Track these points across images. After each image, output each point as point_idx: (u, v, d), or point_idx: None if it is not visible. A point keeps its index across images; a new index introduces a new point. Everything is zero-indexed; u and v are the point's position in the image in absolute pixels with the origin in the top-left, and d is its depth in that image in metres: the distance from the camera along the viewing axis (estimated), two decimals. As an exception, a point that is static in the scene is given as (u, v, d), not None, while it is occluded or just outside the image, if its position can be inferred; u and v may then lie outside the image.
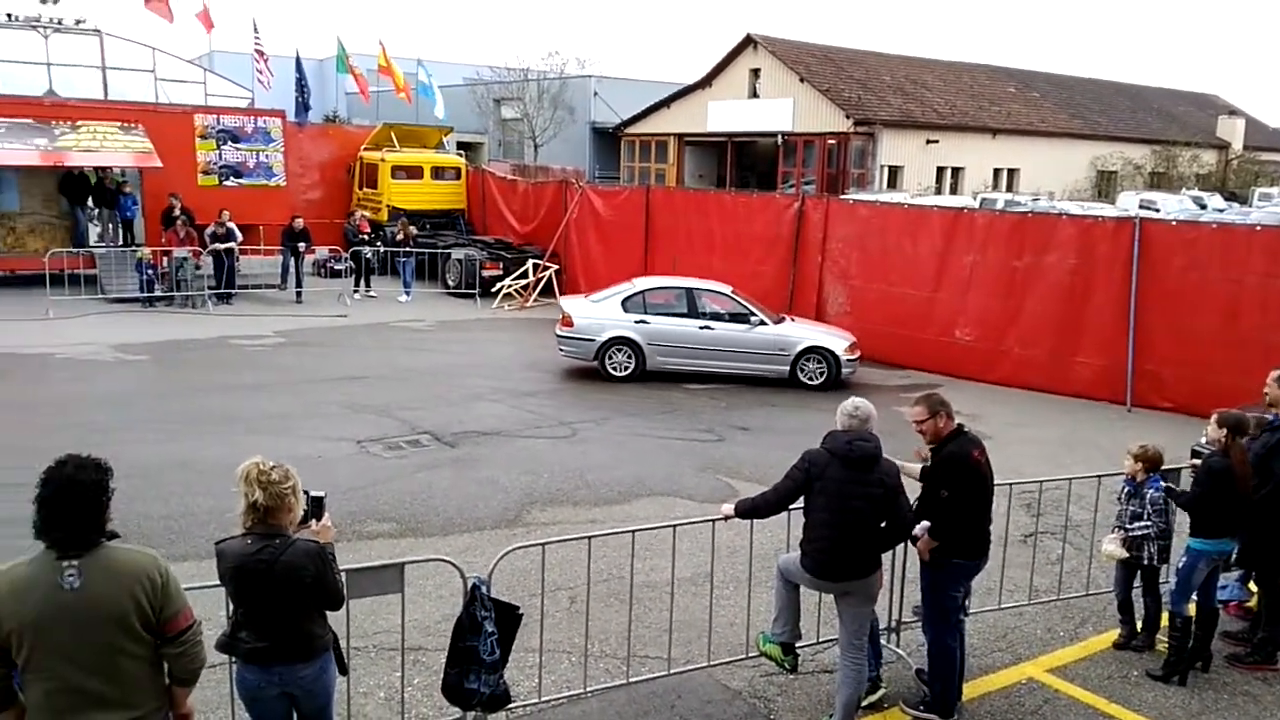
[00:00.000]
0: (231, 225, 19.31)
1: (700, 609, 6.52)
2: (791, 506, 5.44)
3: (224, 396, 12.33)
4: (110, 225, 20.30)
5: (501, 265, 20.95)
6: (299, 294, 19.69)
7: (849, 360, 14.16)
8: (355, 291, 20.15)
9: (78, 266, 18.22)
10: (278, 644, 3.86)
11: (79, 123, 19.38)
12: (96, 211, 20.26)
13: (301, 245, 19.76)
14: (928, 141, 32.59)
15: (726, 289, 14.89)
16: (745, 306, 14.39)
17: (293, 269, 19.79)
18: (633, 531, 6.06)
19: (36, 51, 21.25)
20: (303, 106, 23.72)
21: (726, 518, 5.60)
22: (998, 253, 14.59)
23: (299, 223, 20.00)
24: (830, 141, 31.60)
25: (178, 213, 18.95)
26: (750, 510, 5.47)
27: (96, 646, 3.22)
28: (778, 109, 32.24)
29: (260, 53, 25.12)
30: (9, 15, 21.80)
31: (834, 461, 5.14)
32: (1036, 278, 14.16)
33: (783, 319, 14.83)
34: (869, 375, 14.73)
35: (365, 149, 24.89)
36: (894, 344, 15.62)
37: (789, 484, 5.28)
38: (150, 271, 18.58)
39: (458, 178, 25.69)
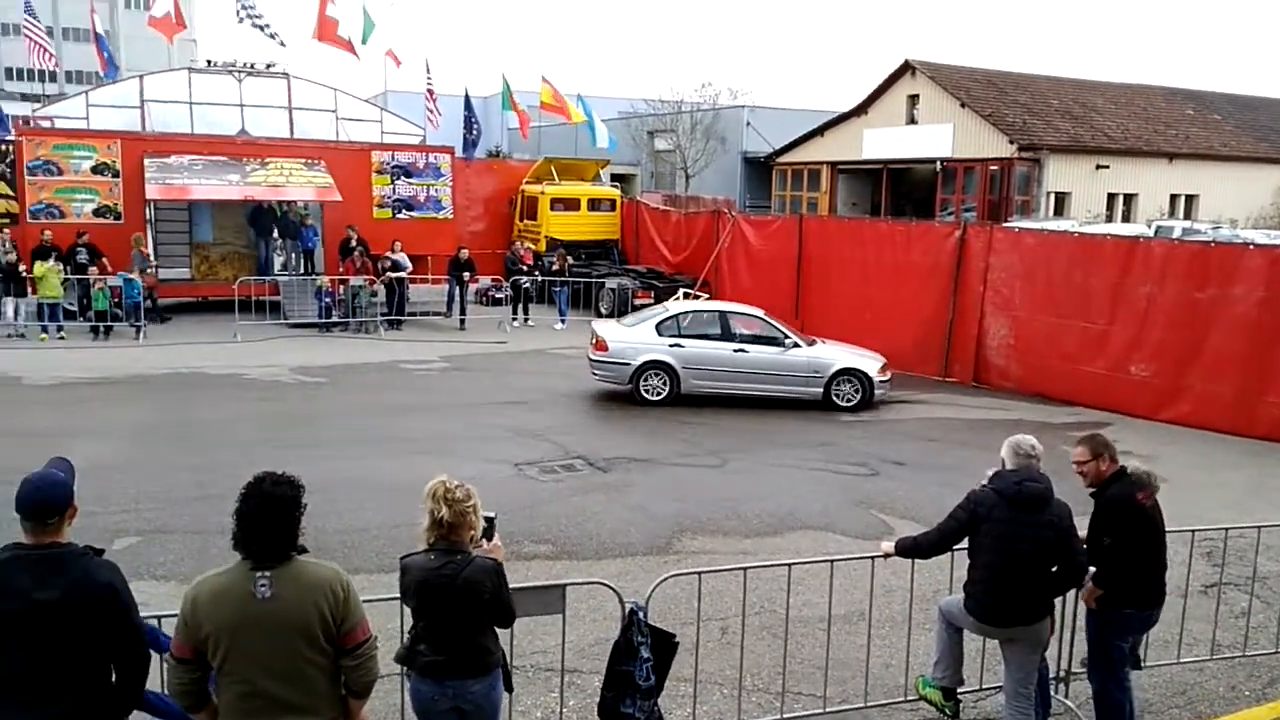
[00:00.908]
0: (402, 255, 20.40)
1: (855, 647, 6.40)
2: (955, 547, 5.29)
3: (394, 417, 12.98)
4: (293, 255, 21.74)
5: (653, 294, 21.24)
6: (463, 321, 20.55)
7: (881, 382, 14.28)
8: (514, 319, 20.83)
9: (263, 293, 19.60)
10: (454, 658, 4.03)
11: (268, 160, 20.90)
12: (281, 242, 21.72)
13: (466, 275, 20.65)
14: (1097, 167, 31.09)
15: (759, 312, 15.07)
16: (778, 329, 14.55)
17: (458, 297, 20.68)
18: (788, 565, 6.02)
19: (231, 94, 23.03)
20: (470, 143, 24.81)
21: (886, 555, 5.49)
22: (1177, 284, 13.76)
23: (464, 253, 20.91)
24: (992, 168, 30.60)
25: (354, 244, 20.13)
26: (911, 549, 5.35)
27: (285, 654, 3.41)
28: (937, 135, 31.50)
29: (431, 92, 26.46)
30: (209, 61, 23.77)
31: (1001, 502, 4.98)
32: (1220, 311, 13.28)
33: (814, 341, 14.82)
34: (1036, 412, 14.13)
35: (526, 182, 25.80)
36: (1059, 379, 14.96)
37: (952, 524, 5.14)
38: (328, 299, 19.78)
39: (613, 209, 26.28)
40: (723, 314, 14.79)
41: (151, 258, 19.28)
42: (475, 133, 24.60)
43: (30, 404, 13.05)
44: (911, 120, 33.05)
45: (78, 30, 61.53)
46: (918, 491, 10.28)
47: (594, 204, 25.92)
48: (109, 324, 18.04)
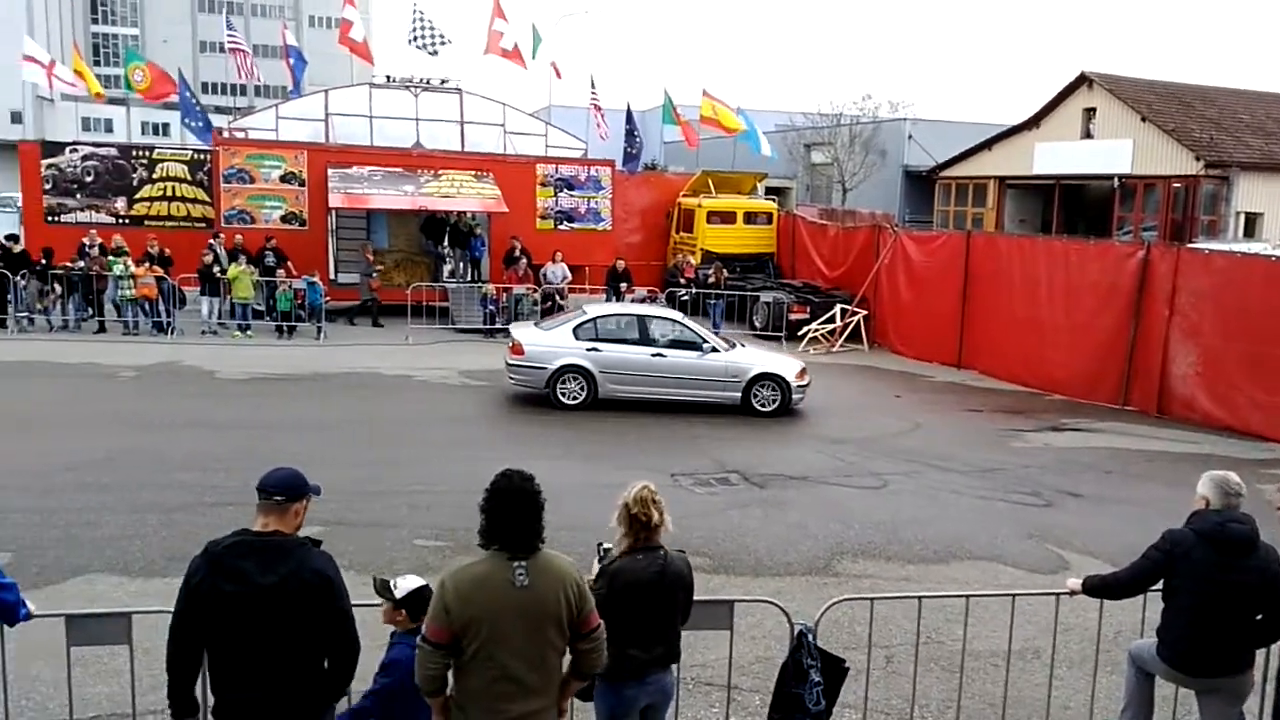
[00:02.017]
0: (562, 265, 20.91)
1: (1030, 686, 6.13)
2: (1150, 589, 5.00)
3: (555, 423, 13.28)
4: (461, 263, 22.59)
5: (809, 309, 21.01)
6: (619, 330, 20.83)
7: (799, 386, 14.22)
8: (670, 331, 20.99)
9: (433, 299, 20.46)
10: (663, 652, 4.24)
11: (440, 172, 21.82)
12: (450, 251, 22.60)
13: (623, 285, 20.96)
14: (1295, 185, 28.82)
15: (678, 315, 15.17)
16: (696, 334, 14.55)
17: (614, 307, 20.99)
18: (966, 596, 5.83)
19: (408, 108, 24.15)
20: (631, 156, 25.21)
21: (1072, 593, 5.23)
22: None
23: (621, 264, 21.25)
24: (1175, 185, 28.81)
25: (518, 253, 20.77)
26: (1099, 588, 5.08)
27: (536, 640, 3.59)
28: (1114, 150, 29.91)
29: (598, 106, 27.03)
30: (388, 77, 25.01)
31: (1200, 544, 4.66)
32: None
33: (734, 345, 14.85)
34: (1226, 446, 13.20)
35: (683, 195, 25.99)
36: (1253, 412, 13.91)
37: (1146, 564, 4.85)
38: (492, 305, 20.46)
39: (769, 222, 26.15)
40: (640, 318, 14.79)
41: (373, 264, 20.59)
42: (637, 146, 24.97)
43: (223, 397, 14.01)
44: (1087, 134, 31.54)
45: (266, 47, 65.89)
46: (1095, 525, 9.76)
47: (750, 217, 25.86)
48: (292, 324, 19.20)
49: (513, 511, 3.61)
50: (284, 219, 21.43)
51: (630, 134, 25.19)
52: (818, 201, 40.01)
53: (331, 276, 21.47)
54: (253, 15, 78.38)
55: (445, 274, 21.99)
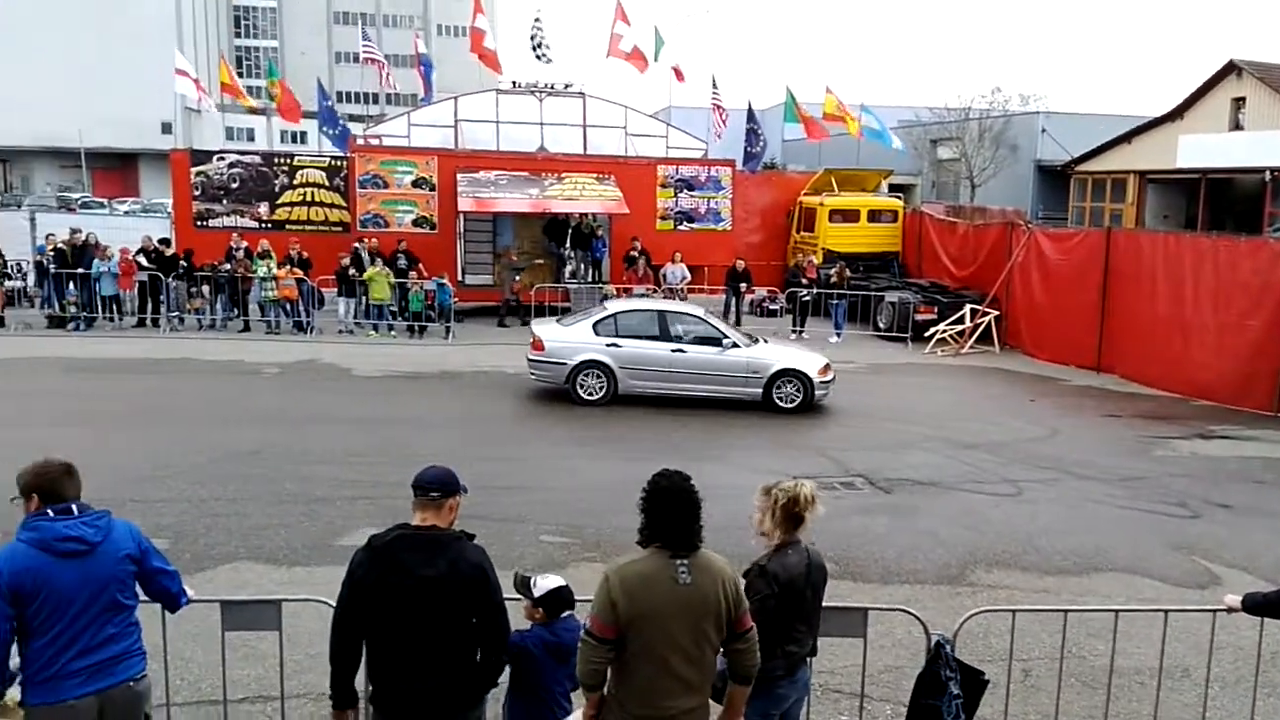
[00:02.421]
0: (682, 266, 20.96)
1: (1179, 706, 5.83)
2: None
3: (672, 423, 13.32)
4: (583, 264, 22.88)
5: (936, 309, 20.47)
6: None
7: (822, 383, 14.04)
8: (793, 331, 20.77)
9: (555, 299, 20.79)
10: (812, 646, 4.38)
11: (563, 175, 22.16)
12: (572, 252, 22.91)
13: (742, 285, 20.86)
14: None
15: (699, 311, 14.99)
16: (717, 329, 14.44)
17: (733, 307, 20.92)
18: (1115, 611, 5.56)
19: (532, 113, 24.60)
20: (751, 156, 25.06)
21: (1230, 610, 4.94)
22: None
23: (740, 264, 21.14)
24: (1336, 177, 26.92)
25: (638, 253, 20.91)
26: (1261, 606, 4.78)
27: (696, 637, 3.64)
28: (1266, 142, 28.12)
29: (718, 106, 26.97)
30: (514, 83, 25.52)
31: None
32: None
33: (757, 341, 14.73)
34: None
35: (805, 194, 25.68)
36: None
37: None
38: (612, 306, 20.64)
39: (894, 220, 25.60)
40: (661, 314, 14.69)
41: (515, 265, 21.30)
42: (760, 146, 24.80)
43: (358, 393, 14.56)
44: (1236, 126, 29.76)
45: (397, 56, 68.20)
46: (1248, 538, 9.21)
47: (874, 215, 25.36)
48: (423, 324, 19.82)
49: (673, 510, 3.67)
50: (415, 223, 22.12)
51: (751, 133, 25.03)
52: (944, 198, 38.95)
53: (459, 278, 22.06)
54: (384, 26, 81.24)
55: (566, 275, 22.32)
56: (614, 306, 15.21)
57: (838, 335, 20.57)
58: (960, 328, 19.86)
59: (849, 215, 24.85)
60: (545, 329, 14.70)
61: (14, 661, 3.85)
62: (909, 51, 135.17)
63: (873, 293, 21.55)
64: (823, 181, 25.81)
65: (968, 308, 20.00)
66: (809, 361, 14.37)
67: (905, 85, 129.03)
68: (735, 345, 14.24)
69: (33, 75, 61.96)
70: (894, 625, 6.82)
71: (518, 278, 21.04)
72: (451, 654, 3.84)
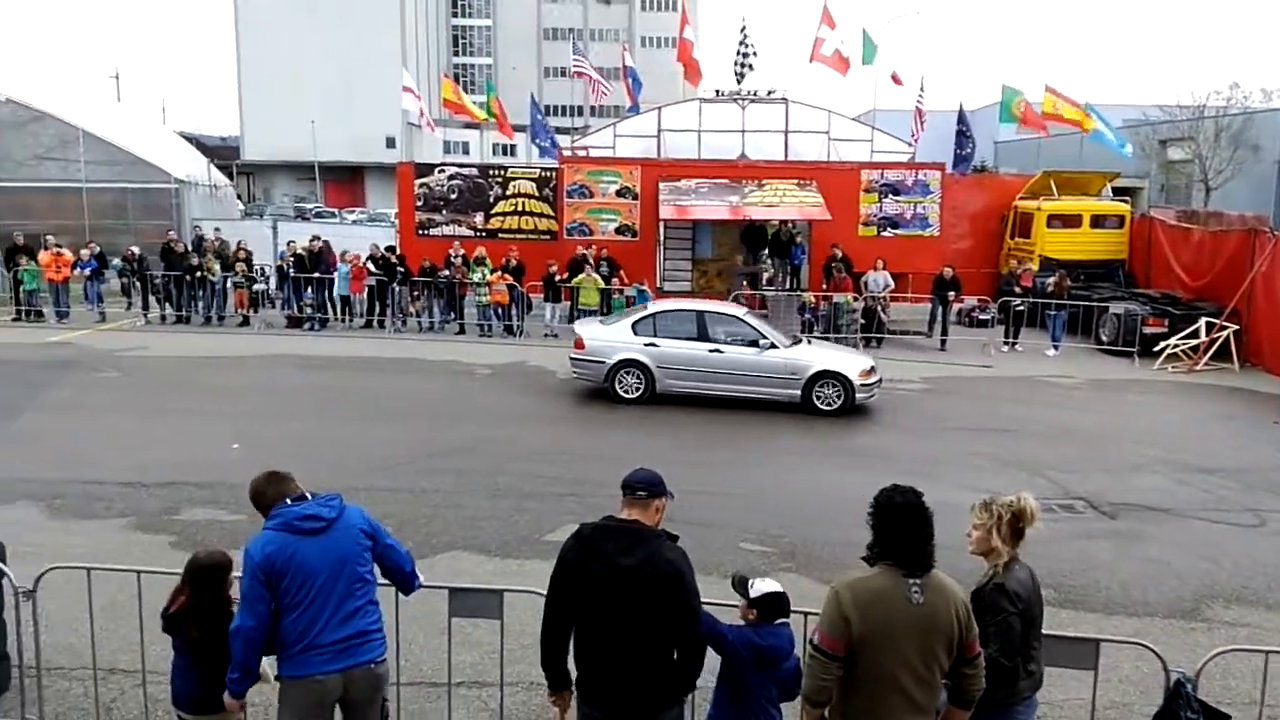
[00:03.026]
0: (885, 274, 20.42)
1: None
2: None
3: (872, 435, 13.01)
4: (780, 272, 22.71)
5: (1167, 322, 18.96)
6: (944, 342, 20.01)
7: (863, 385, 13.89)
8: (1004, 343, 19.82)
9: (753, 307, 20.71)
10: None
11: (764, 181, 22.08)
12: (770, 259, 22.78)
13: (950, 294, 20.08)
14: None
15: (738, 311, 15.08)
16: (756, 330, 14.39)
17: (940, 317, 20.18)
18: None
19: (734, 121, 24.67)
20: (961, 158, 24.07)
21: None
22: None
23: (948, 272, 20.35)
24: None
25: (837, 261, 20.54)
26: None
27: (926, 658, 3.58)
28: None
29: (919, 110, 26.10)
30: (716, 92, 25.72)
31: None
32: None
33: (799, 342, 14.78)
34: None
35: (1020, 198, 24.42)
36: None
37: None
38: (810, 314, 20.38)
39: (1119, 226, 23.92)
40: (699, 314, 14.74)
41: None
42: (969, 148, 23.78)
43: (561, 395, 15.04)
44: None
45: (601, 69, 70.28)
46: None
47: (1097, 220, 23.78)
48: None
49: (905, 528, 3.62)
50: (617, 230, 22.65)
51: (961, 135, 24.04)
52: (1174, 203, 35.97)
53: (659, 284, 22.41)
54: (591, 40, 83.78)
55: (764, 282, 22.20)
56: (653, 307, 15.54)
57: (1055, 348, 19.44)
58: (1194, 342, 18.32)
59: (1070, 220, 23.41)
60: (587, 328, 15.19)
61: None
62: (1134, 47, 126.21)
63: (1095, 303, 20.20)
64: (1040, 184, 24.46)
65: (1203, 321, 18.42)
66: (850, 363, 14.25)
67: (1131, 83, 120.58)
68: (774, 346, 14.21)
69: (279, 100, 68.31)
70: (1120, 659, 6.37)
71: (745, 282, 21.11)
72: (645, 647, 3.90)
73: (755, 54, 26.06)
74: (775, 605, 4.29)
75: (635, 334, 14.51)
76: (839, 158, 23.91)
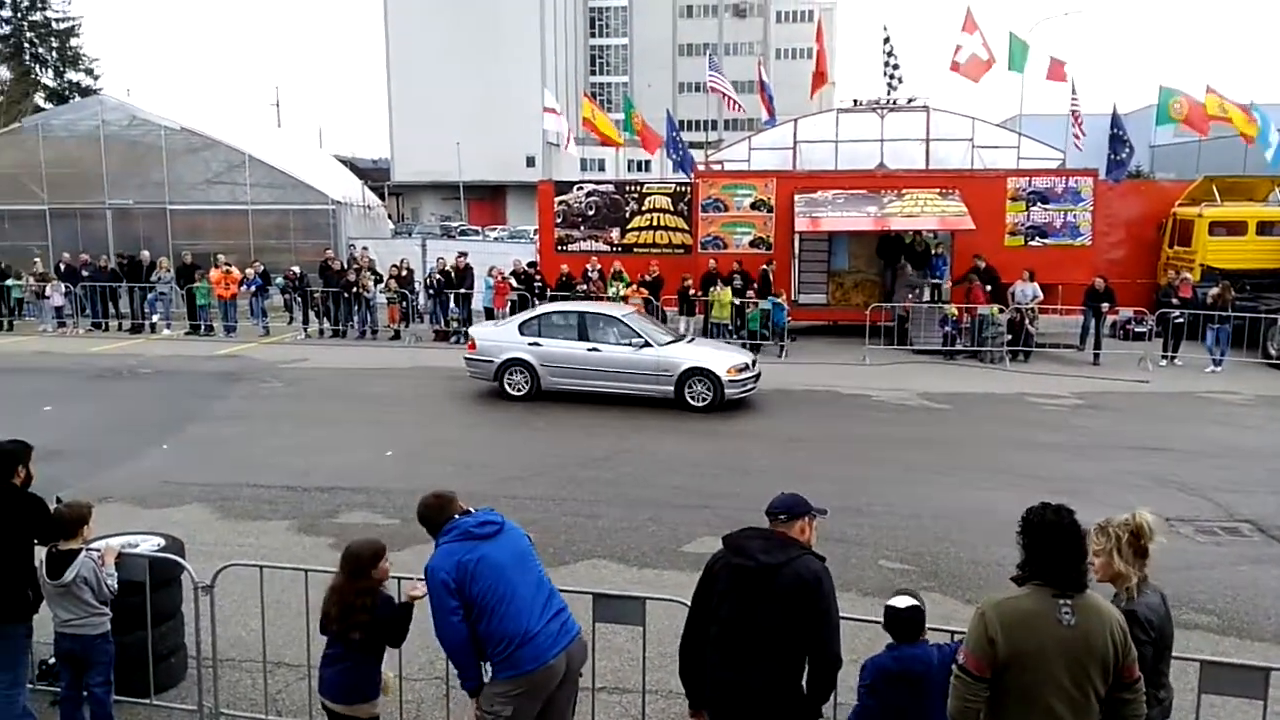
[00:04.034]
0: (1033, 285, 19.71)
1: None
2: None
3: (1020, 452, 12.56)
4: (919, 284, 22.20)
5: (1347, 335, 17.62)
6: (1097, 356, 19.15)
7: (732, 381, 14.37)
8: (1163, 357, 18.81)
9: (889, 319, 20.38)
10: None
11: (903, 191, 21.67)
12: (908, 270, 22.31)
13: (1104, 305, 19.22)
14: None
15: (617, 312, 15.75)
16: (633, 329, 14.94)
17: (1092, 329, 19.33)
18: None
19: (872, 130, 24.34)
20: (1116, 164, 22.98)
21: None
22: None
23: (1100, 283, 19.48)
24: None
25: (977, 271, 19.93)
26: None
27: (1080, 682, 3.49)
28: None
29: (1076, 113, 25.08)
30: (855, 101, 25.44)
31: None
32: None
33: (677, 340, 15.39)
34: None
35: (1180, 204, 23.14)
36: None
37: None
38: (952, 327, 19.84)
39: (1291, 232, 22.34)
40: (580, 314, 15.48)
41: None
42: (1125, 153, 22.68)
43: (690, 406, 15.11)
44: None
45: (737, 83, 70.34)
46: None
47: (1264, 227, 22.23)
48: (757, 342, 20.24)
49: (1056, 547, 3.52)
50: (752, 243, 22.64)
51: (1116, 139, 22.96)
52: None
53: (793, 297, 22.27)
54: (726, 54, 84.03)
55: (899, 294, 21.75)
56: (539, 309, 16.51)
57: (1218, 363, 18.31)
58: (1379, 356, 16.96)
59: (1234, 228, 22.02)
60: (478, 329, 16.49)
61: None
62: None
63: (1263, 315, 18.95)
64: (1202, 190, 23.12)
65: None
66: (719, 360, 14.71)
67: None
68: (647, 344, 14.75)
69: (426, 124, 71.33)
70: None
71: (911, 295, 20.83)
72: (779, 654, 3.92)
73: (899, 64, 25.71)
74: (901, 621, 4.24)
75: (521, 334, 15.30)
76: (983, 165, 23.25)
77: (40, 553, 5.28)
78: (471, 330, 16.75)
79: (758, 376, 15.11)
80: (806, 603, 3.88)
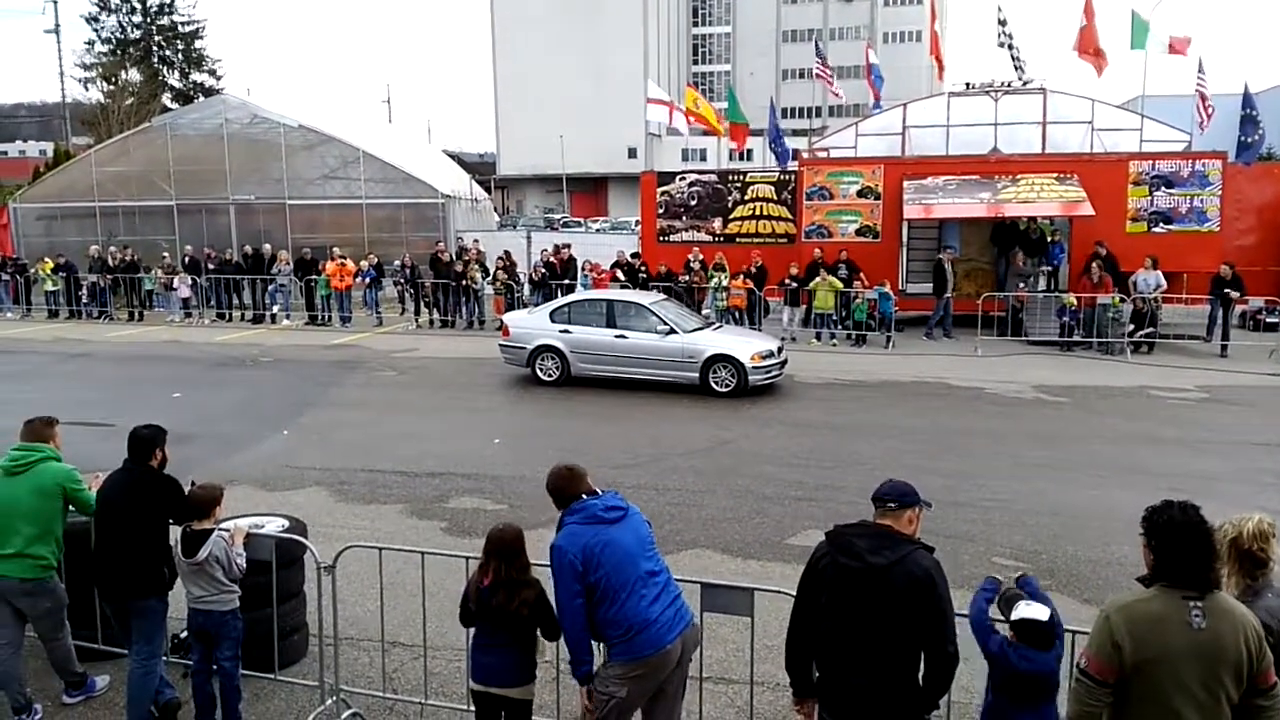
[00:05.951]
0: (1156, 273, 18.86)
1: None
2: None
3: (1141, 447, 12.05)
4: (1036, 272, 21.46)
5: None
6: (1224, 347, 18.21)
7: (755, 368, 14.57)
8: (1297, 349, 17.80)
9: (1003, 309, 19.76)
10: None
11: (1018, 176, 20.94)
12: (1023, 258, 21.57)
13: (1232, 294, 18.25)
14: None
15: (645, 299, 15.98)
16: (658, 317, 15.19)
17: (1220, 320, 18.38)
18: None
19: (986, 114, 23.59)
20: (1247, 146, 21.74)
21: None
22: None
23: (1227, 270, 18.52)
24: None
25: (1097, 259, 19.14)
26: None
27: (1211, 688, 3.36)
28: None
29: (1202, 95, 23.86)
30: (967, 84, 24.71)
31: None
32: None
33: (705, 327, 15.66)
34: None
35: (1317, 187, 21.79)
36: None
37: None
38: (1070, 317, 19.12)
39: None
40: (608, 302, 15.84)
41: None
42: (1257, 134, 21.43)
43: (802, 399, 14.94)
44: None
45: (842, 68, 69.09)
46: None
47: None
48: (863, 333, 19.90)
49: (1184, 547, 3.39)
50: (858, 232, 22.25)
51: (1247, 120, 21.72)
52: None
53: (901, 287, 21.81)
54: (831, 39, 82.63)
55: (1013, 282, 21.04)
56: (570, 297, 17.04)
57: (1359, 354, 17.23)
58: None
59: (1383, 210, 20.65)
60: (513, 317, 16.87)
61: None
62: None
63: None
64: (1344, 172, 21.73)
65: None
66: (744, 347, 14.88)
67: None
68: (673, 331, 14.97)
69: (530, 118, 72.53)
70: None
71: (1022, 285, 20.27)
72: (890, 655, 3.85)
73: (1017, 46, 24.88)
74: (1034, 633, 4.10)
75: (552, 321, 15.73)
76: (1103, 148, 22.31)
77: (175, 532, 5.57)
78: (505, 317, 17.32)
79: (784, 364, 15.33)
80: (921, 602, 3.80)
